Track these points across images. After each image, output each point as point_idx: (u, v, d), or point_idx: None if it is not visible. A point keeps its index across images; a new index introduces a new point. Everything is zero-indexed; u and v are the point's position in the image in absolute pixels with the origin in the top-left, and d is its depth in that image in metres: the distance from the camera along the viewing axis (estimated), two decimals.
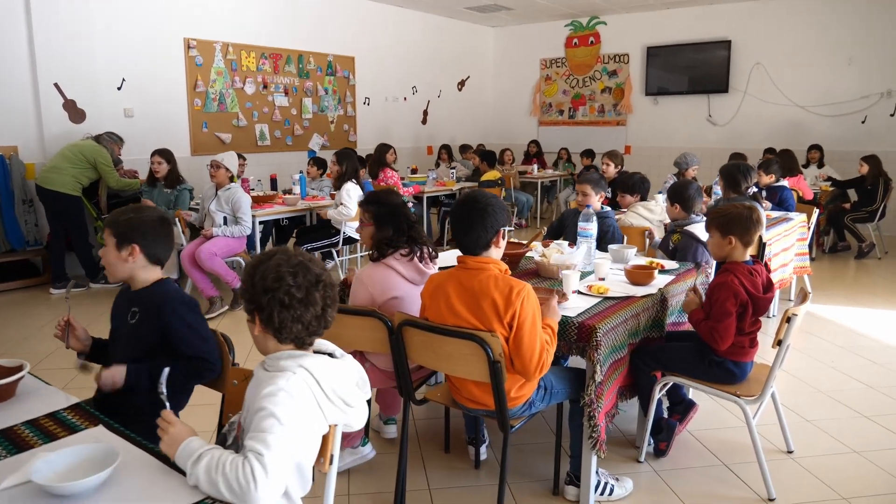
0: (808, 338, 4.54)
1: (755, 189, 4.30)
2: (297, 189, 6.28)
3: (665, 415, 3.02)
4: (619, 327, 2.52)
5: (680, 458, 2.92)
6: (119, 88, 6.79)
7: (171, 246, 2.07)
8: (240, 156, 6.95)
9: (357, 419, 1.59)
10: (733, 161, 4.53)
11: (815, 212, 5.50)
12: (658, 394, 2.78)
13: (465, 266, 2.19)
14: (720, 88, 9.61)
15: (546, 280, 3.01)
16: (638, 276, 2.92)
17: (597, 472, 2.53)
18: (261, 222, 6.53)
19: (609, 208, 4.07)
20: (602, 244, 3.64)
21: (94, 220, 6.14)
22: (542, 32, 11.38)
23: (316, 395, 1.44)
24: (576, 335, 2.39)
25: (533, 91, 11.66)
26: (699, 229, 3.54)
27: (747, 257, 2.68)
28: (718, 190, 5.03)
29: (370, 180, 6.86)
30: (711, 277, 3.43)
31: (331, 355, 1.55)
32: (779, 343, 2.49)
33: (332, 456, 1.61)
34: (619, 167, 6.08)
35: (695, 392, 3.33)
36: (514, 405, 2.24)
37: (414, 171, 8.33)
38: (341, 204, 5.46)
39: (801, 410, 3.42)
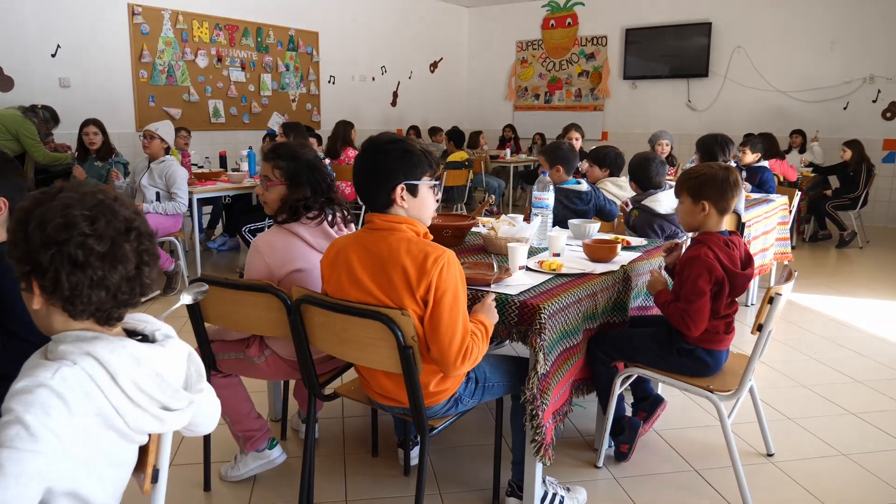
0: (789, 328, 4.17)
1: (734, 165, 3.91)
2: (244, 166, 5.80)
3: (628, 412, 2.62)
4: (570, 308, 2.11)
5: (644, 463, 2.53)
6: (53, 55, 6.26)
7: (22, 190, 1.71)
8: (185, 130, 6.49)
9: (198, 424, 1.17)
10: (711, 133, 4.16)
11: (798, 195, 5.15)
12: (619, 388, 2.38)
13: (371, 226, 1.77)
14: (700, 73, 9.26)
15: (493, 256, 2.59)
16: (598, 251, 2.51)
17: (543, 482, 2.12)
18: (206, 201, 6.09)
19: (584, 182, 3.67)
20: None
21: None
22: (519, 13, 10.96)
23: (107, 396, 1.01)
24: (516, 317, 1.98)
25: (508, 74, 11.24)
26: (657, 201, 3.16)
27: (723, 227, 2.28)
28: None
29: (328, 160, 6.40)
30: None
31: (145, 338, 1.12)
32: (759, 328, 2.10)
33: (155, 472, 1.18)
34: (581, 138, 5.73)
35: (664, 387, 2.94)
36: (434, 402, 1.82)
37: None
38: None
39: (783, 407, 3.04)
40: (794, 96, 8.62)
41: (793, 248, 6.50)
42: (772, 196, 4.90)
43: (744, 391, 2.18)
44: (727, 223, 2.35)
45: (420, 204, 1.79)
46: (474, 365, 1.73)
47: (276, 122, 8.36)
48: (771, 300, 2.05)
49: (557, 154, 3.54)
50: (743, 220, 3.87)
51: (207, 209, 6.53)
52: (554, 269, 2.33)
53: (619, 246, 2.55)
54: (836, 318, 4.43)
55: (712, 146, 4.02)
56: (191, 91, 7.41)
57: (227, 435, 2.40)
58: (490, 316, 1.88)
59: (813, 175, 7.09)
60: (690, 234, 2.40)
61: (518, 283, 2.16)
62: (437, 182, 1.84)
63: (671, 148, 6.01)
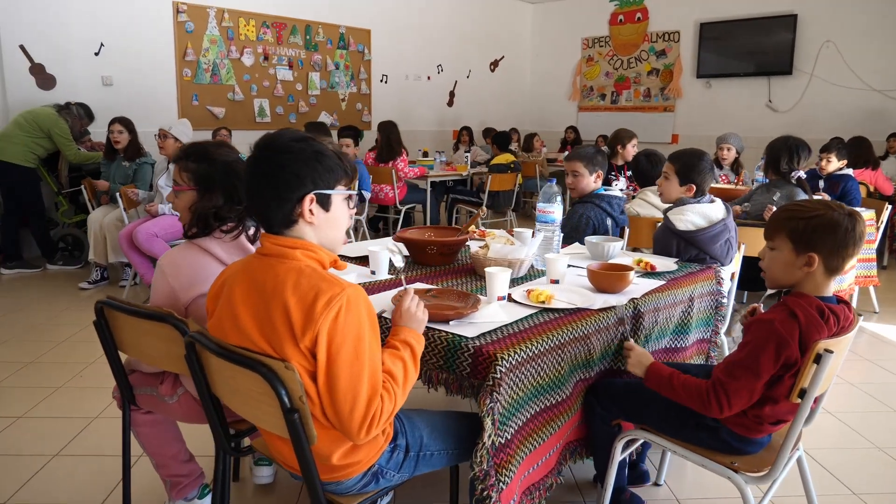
0: (868, 369, 3.50)
1: (801, 174, 3.29)
2: None
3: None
4: (548, 356, 1.65)
5: None
6: (97, 54, 6.23)
7: None
8: (225, 129, 6.35)
9: None
10: (783, 136, 3.53)
11: (887, 208, 4.41)
12: (621, 454, 1.89)
13: (261, 250, 1.38)
14: (783, 70, 8.39)
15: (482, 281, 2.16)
16: (603, 279, 2.03)
17: None
18: None
19: (610, 188, 3.16)
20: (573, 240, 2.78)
21: (55, 194, 5.60)
22: (585, 8, 10.35)
23: None
24: (469, 367, 1.54)
25: (573, 73, 10.65)
26: (682, 214, 2.61)
27: (829, 291, 1.67)
28: (760, 175, 4.05)
29: (362, 162, 6.11)
30: (726, 290, 2.51)
31: None
32: (801, 394, 1.57)
33: None
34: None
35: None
36: (342, 476, 1.41)
37: (425, 155, 7.53)
38: None
39: (848, 477, 2.45)
40: (892, 95, 7.65)
41: (883, 267, 5.69)
42: (855, 209, 4.19)
43: (779, 473, 1.65)
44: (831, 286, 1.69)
45: (332, 220, 1.39)
46: (387, 424, 1.31)
47: (325, 121, 8.15)
48: (818, 359, 1.52)
49: (597, 160, 3.06)
50: None
51: None
52: (542, 302, 1.87)
53: (633, 273, 2.06)
54: None
55: (778, 150, 3.40)
56: (235, 90, 7.28)
57: (153, 474, 2.08)
58: (415, 326, 1.47)
59: None
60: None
61: (487, 319, 1.72)
62: (353, 192, 1.44)
63: (738, 153, 5.34)
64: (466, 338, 1.58)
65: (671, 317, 2.17)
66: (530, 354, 1.58)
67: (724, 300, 2.46)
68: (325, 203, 1.37)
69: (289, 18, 7.65)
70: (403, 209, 6.29)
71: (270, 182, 1.34)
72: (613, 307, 1.87)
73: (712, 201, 2.77)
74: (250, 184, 1.37)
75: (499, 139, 6.82)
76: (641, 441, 1.92)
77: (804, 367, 1.54)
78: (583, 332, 1.77)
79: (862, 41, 7.81)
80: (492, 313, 1.76)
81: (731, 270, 2.75)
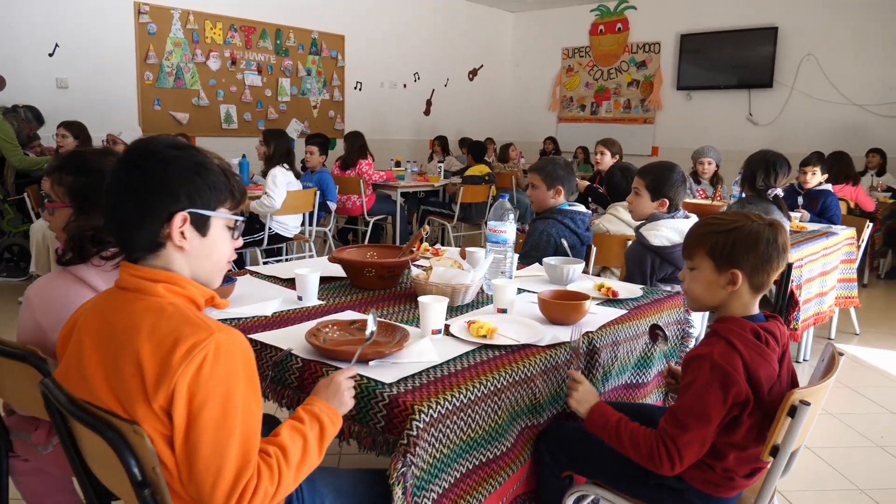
0: (849, 397, 3.30)
1: (778, 192, 3.10)
2: None
3: None
4: (482, 405, 1.42)
5: None
6: (51, 55, 5.95)
7: None
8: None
9: None
10: (762, 150, 3.34)
11: (868, 226, 4.24)
12: None
13: (118, 282, 1.13)
14: (763, 83, 8.28)
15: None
16: (555, 308, 1.80)
17: None
18: None
19: (580, 205, 2.95)
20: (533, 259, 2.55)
21: (0, 202, 5.29)
22: (566, 18, 10.20)
23: None
24: (383, 419, 1.31)
25: (553, 83, 10.49)
26: (656, 230, 2.42)
27: (755, 309, 1.50)
28: (737, 190, 3.86)
29: (329, 171, 5.87)
30: (698, 315, 2.30)
31: None
32: (773, 451, 1.34)
33: None
34: (618, 159, 4.90)
35: None
36: None
37: (397, 165, 7.30)
38: (265, 193, 4.45)
39: None
40: (873, 110, 7.55)
41: (863, 286, 5.53)
42: (835, 227, 4.03)
43: None
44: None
45: (210, 248, 1.15)
46: None
47: (294, 129, 7.90)
48: (792, 411, 1.30)
49: (556, 173, 2.85)
50: (790, 261, 3.06)
51: None
52: (483, 336, 1.64)
53: (590, 302, 1.83)
54: None
55: (755, 167, 3.20)
56: (200, 95, 7.01)
57: None
58: (337, 402, 1.23)
59: (892, 201, 6.06)
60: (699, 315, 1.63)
61: (413, 359, 1.49)
62: (240, 218, 1.19)
63: (717, 167, 5.17)
64: (383, 384, 1.34)
65: (632, 350, 1.94)
66: (459, 403, 1.35)
67: (693, 329, 2.24)
68: (201, 226, 1.12)
69: (258, 22, 7.41)
70: (372, 221, 6.05)
71: (135, 193, 1.09)
72: (565, 343, 1.64)
73: (686, 216, 2.57)
74: (110, 195, 1.12)
75: (474, 149, 6.61)
76: (592, 497, 1.68)
77: (776, 423, 1.31)
78: (527, 373, 1.54)
79: (843, 55, 7.71)
80: (420, 352, 1.52)
81: None
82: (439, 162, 7.41)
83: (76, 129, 4.80)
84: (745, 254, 1.42)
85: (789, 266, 3.05)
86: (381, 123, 8.93)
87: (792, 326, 3.29)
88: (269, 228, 4.57)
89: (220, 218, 1.15)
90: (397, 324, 1.66)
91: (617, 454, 1.53)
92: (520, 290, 2.15)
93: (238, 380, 1.03)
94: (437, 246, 2.80)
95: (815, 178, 4.40)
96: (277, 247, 5.01)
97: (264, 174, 4.61)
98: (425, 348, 1.54)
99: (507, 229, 2.11)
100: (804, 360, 3.78)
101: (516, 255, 2.26)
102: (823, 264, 3.66)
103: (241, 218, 1.19)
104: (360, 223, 6.38)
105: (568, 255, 2.74)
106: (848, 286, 4.05)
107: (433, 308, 1.64)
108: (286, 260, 5.18)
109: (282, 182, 4.46)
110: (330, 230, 5.83)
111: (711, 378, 1.36)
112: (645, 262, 2.44)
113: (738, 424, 1.40)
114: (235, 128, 7.37)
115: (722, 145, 8.33)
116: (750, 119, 8.53)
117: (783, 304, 3.14)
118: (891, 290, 5.76)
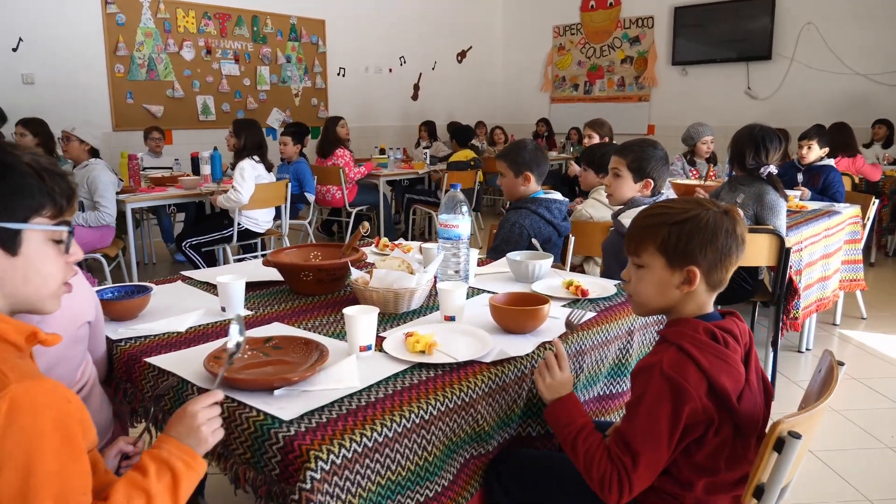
0: (853, 390, 3.06)
1: (772, 169, 2.82)
2: (207, 168, 5.06)
3: None
4: (408, 440, 1.18)
5: None
6: (14, 49, 5.70)
7: None
8: (157, 130, 5.85)
9: None
10: (749, 124, 3.05)
11: (874, 202, 3.97)
12: None
13: None
14: (762, 55, 7.96)
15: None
16: (508, 316, 1.56)
17: None
18: (177, 208, 5.47)
19: (556, 193, 2.69)
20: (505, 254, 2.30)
21: None
22: None
23: None
24: (278, 465, 1.07)
25: (544, 63, 10.17)
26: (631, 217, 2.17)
27: (710, 308, 1.28)
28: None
29: (307, 161, 5.63)
30: None
31: None
32: (758, 493, 1.10)
33: None
34: (609, 139, 4.63)
35: None
36: None
37: (382, 152, 7.04)
38: (232, 187, 4.20)
39: None
40: (878, 79, 7.22)
41: (870, 265, 5.27)
42: (838, 206, 3.76)
43: None
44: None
45: (25, 269, 0.91)
46: None
47: (276, 118, 7.65)
48: (779, 444, 1.05)
49: (522, 157, 2.59)
50: (788, 247, 2.80)
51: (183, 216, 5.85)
52: (421, 352, 1.40)
53: (550, 306, 1.58)
54: None
55: (743, 144, 2.92)
56: (175, 86, 6.76)
57: None
58: (195, 441, 1.00)
59: None
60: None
61: (329, 385, 1.25)
62: (66, 229, 0.95)
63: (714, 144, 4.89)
64: (280, 421, 1.11)
65: (604, 358, 1.70)
66: (376, 442, 1.11)
67: None
68: (8, 242, 0.89)
69: (233, 9, 7.13)
70: (354, 212, 5.80)
71: None
72: (513, 359, 1.40)
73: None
74: None
75: (459, 134, 6.34)
76: None
77: (759, 458, 1.07)
78: (466, 398, 1.30)
79: (844, 22, 7.38)
80: (340, 376, 1.28)
81: None
82: (425, 148, 7.14)
83: (35, 126, 4.53)
84: (703, 248, 1.19)
85: (787, 251, 2.79)
86: (367, 110, 8.66)
87: (792, 315, 3.04)
88: (239, 224, 4.32)
89: (36, 230, 0.91)
90: (319, 339, 1.42)
91: (579, 485, 1.29)
92: (478, 291, 1.91)
93: (47, 444, 0.79)
94: (400, 241, 2.56)
95: (814, 152, 4.12)
96: (251, 242, 4.77)
97: (233, 167, 4.37)
98: (346, 371, 1.30)
99: (461, 223, 1.85)
100: (807, 349, 3.53)
101: (475, 252, 2.01)
102: (825, 246, 3.40)
103: (65, 228, 0.94)
104: (344, 214, 6.14)
105: (551, 245, 2.52)
106: (853, 268, 3.79)
107: (360, 322, 1.39)
108: (262, 256, 4.95)
109: (250, 175, 4.21)
110: (310, 223, 5.59)
111: (661, 392, 1.15)
112: (623, 254, 2.19)
113: (701, 445, 1.18)
114: (214, 119, 7.11)
115: (720, 122, 8.06)
116: (749, 93, 8.21)
117: (782, 291, 2.89)
118: None
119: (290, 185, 5.20)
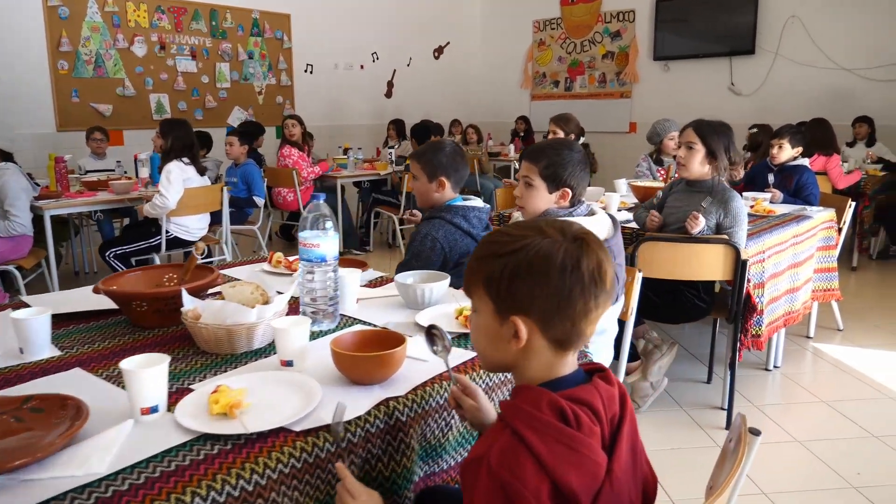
0: (826, 418, 2.74)
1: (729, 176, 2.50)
2: (144, 171, 4.74)
3: None
4: None
5: None
6: None
7: None
8: (99, 131, 5.53)
9: None
10: (710, 121, 2.74)
11: (851, 205, 3.66)
12: None
13: None
14: (745, 49, 7.65)
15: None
16: (351, 364, 1.24)
17: None
18: (118, 213, 5.16)
19: (476, 199, 2.37)
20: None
21: None
22: None
23: None
24: None
25: (524, 59, 9.85)
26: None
27: (567, 368, 0.94)
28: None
29: (255, 163, 5.31)
30: (603, 342, 1.76)
31: None
32: None
33: None
34: (575, 137, 4.29)
35: None
36: None
37: (345, 152, 6.71)
38: (157, 192, 3.88)
39: None
40: (862, 74, 6.92)
41: (853, 269, 4.97)
42: (811, 209, 3.45)
43: None
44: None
45: None
46: None
47: (237, 117, 7.33)
48: None
49: (437, 160, 2.26)
50: (744, 258, 2.48)
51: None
52: (223, 415, 1.08)
53: (404, 348, 1.26)
54: None
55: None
56: (126, 84, 6.43)
57: None
58: None
59: (883, 174, 5.46)
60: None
61: (64, 472, 0.93)
62: None
63: None
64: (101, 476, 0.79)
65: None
66: None
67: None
68: None
69: (189, 3, 6.81)
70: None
71: None
72: (328, 427, 1.08)
73: (591, 212, 2.00)
74: None
75: (417, 133, 6.01)
76: None
77: None
78: (250, 486, 0.98)
79: (829, 16, 7.07)
80: (83, 456, 0.96)
81: (615, 314, 1.98)
82: (390, 148, 6.82)
83: None
84: (530, 290, 0.87)
85: (743, 263, 2.47)
86: (337, 108, 8.35)
87: (753, 333, 2.72)
88: (167, 231, 4.00)
89: None
90: (79, 399, 1.09)
91: None
92: (352, 322, 1.59)
93: None
94: (295, 258, 2.23)
95: (785, 152, 3.81)
96: (186, 251, 4.44)
97: (160, 170, 4.04)
98: (98, 448, 0.98)
99: (324, 243, 1.53)
100: (775, 366, 3.22)
101: (357, 273, 1.70)
102: (794, 254, 3.09)
103: None
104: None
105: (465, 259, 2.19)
106: (827, 277, 3.48)
107: (138, 378, 1.08)
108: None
109: (177, 178, 3.89)
110: (259, 228, 5.27)
111: (491, 494, 0.82)
112: None
113: None
114: (169, 118, 6.77)
115: (704, 118, 7.74)
116: (732, 89, 7.91)
117: (739, 308, 2.58)
118: (885, 272, 5.17)
119: (237, 188, 4.90)
